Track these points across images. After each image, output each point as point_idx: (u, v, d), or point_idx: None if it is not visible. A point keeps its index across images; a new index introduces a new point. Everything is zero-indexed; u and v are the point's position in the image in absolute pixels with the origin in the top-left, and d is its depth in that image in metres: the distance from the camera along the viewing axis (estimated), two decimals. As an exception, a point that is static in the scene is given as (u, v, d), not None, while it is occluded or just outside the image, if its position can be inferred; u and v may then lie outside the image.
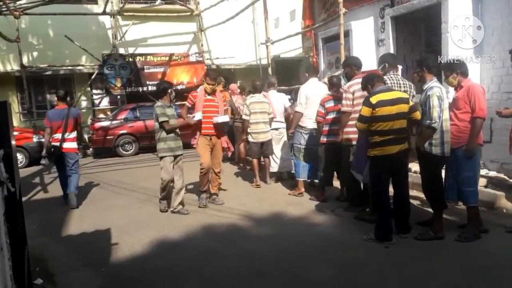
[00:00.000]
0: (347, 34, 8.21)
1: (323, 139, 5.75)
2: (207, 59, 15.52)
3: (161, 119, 5.57)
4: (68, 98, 6.95)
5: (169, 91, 5.75)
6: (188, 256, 4.29)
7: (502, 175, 5.65)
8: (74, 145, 6.51)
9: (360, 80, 4.85)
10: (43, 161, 6.41)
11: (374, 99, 4.15)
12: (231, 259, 4.13)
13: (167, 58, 14.57)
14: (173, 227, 5.12)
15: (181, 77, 14.75)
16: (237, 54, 15.30)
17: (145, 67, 14.28)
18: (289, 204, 5.86)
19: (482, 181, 5.38)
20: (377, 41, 8.00)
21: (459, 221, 4.60)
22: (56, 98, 6.92)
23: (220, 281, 3.69)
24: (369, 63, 7.00)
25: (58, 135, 6.31)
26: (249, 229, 5.02)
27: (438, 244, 4.16)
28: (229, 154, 8.90)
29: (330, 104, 5.68)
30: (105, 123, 12.22)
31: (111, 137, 11.90)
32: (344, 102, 5.16)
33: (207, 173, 5.92)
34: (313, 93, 6.10)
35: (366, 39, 8.15)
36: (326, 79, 7.82)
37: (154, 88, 14.22)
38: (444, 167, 4.46)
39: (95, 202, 6.67)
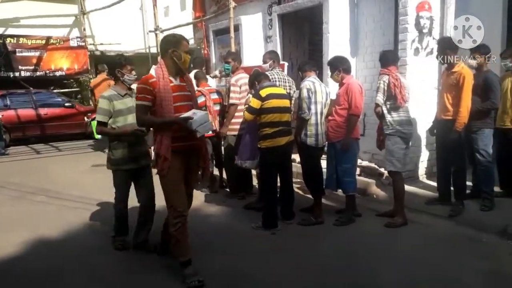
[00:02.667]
0: (237, 28, 8.35)
1: None
2: (91, 44, 14.51)
3: (97, 117, 3.83)
4: None
5: (117, 71, 3.88)
6: (69, 255, 3.99)
7: (373, 165, 6.29)
8: None
9: (243, 75, 5.35)
10: None
11: (263, 92, 4.38)
12: (120, 255, 3.95)
13: (43, 42, 13.23)
14: (52, 225, 4.71)
15: (60, 63, 13.57)
16: (124, 40, 14.51)
17: (17, 50, 12.79)
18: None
19: (356, 170, 5.93)
20: (265, 37, 8.27)
21: (337, 207, 5.03)
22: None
23: (105, 279, 3.51)
24: (259, 59, 7.20)
25: None
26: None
27: (319, 228, 4.50)
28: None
29: (201, 99, 5.75)
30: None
31: (-25, 127, 10.51)
32: (232, 95, 5.32)
33: (185, 225, 3.39)
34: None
35: (255, 34, 8.37)
36: (217, 72, 7.90)
37: (28, 73, 13.02)
38: (326, 157, 4.82)
39: (-46, 201, 5.84)
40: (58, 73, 13.53)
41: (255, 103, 4.36)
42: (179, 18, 12.96)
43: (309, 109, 4.47)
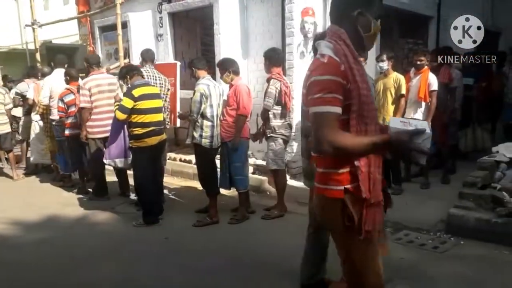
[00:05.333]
0: (125, 25, 8.00)
1: (67, 132, 5.72)
2: (-46, 38, 12.80)
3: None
4: None
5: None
6: None
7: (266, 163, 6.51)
8: None
9: (96, 76, 5.37)
10: None
11: (136, 92, 4.42)
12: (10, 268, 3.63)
13: None
14: None
15: None
16: (-5, 35, 13.08)
17: None
18: (65, 206, 5.39)
19: (250, 169, 6.07)
20: (156, 35, 8.06)
21: (231, 205, 5.09)
22: None
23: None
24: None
25: None
26: (17, 238, 4.42)
27: (214, 228, 4.54)
28: None
29: (70, 97, 5.66)
30: None
31: None
32: (81, 98, 5.29)
33: None
34: (58, 85, 5.97)
35: (145, 32, 8.11)
36: (104, 69, 7.50)
37: None
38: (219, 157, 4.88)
39: None
40: None
41: (128, 103, 4.38)
42: (61, 12, 12.05)
43: (198, 113, 4.54)
